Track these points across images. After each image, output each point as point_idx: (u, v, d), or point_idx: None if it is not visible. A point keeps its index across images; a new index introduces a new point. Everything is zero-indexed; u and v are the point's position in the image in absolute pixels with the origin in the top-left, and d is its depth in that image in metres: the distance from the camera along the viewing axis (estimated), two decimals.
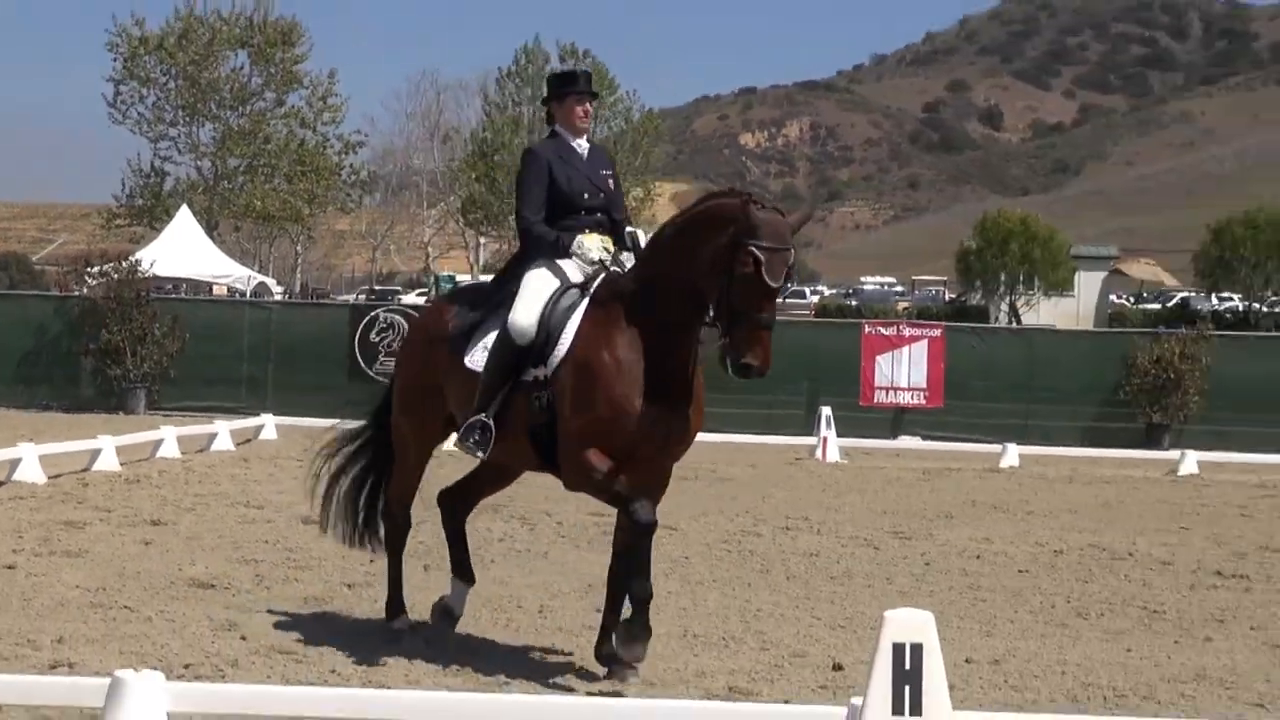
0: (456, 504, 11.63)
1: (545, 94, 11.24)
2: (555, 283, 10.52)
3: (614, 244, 10.74)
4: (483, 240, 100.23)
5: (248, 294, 51.48)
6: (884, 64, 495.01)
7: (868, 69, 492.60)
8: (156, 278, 40.74)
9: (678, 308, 10.06)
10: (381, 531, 11.77)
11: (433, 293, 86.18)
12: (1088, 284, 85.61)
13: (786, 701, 9.54)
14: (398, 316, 32.76)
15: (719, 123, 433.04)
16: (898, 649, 7.27)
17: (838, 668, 10.59)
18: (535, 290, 10.50)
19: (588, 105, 10.96)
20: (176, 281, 53.69)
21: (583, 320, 10.28)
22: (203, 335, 32.67)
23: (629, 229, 10.87)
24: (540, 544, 15.89)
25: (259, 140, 71.82)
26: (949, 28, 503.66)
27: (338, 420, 12.75)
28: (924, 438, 30.17)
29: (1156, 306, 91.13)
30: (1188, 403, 30.88)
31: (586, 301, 10.40)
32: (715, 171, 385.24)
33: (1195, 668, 11.02)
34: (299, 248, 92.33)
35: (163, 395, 32.22)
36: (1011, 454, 26.37)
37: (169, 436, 23.48)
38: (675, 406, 10.14)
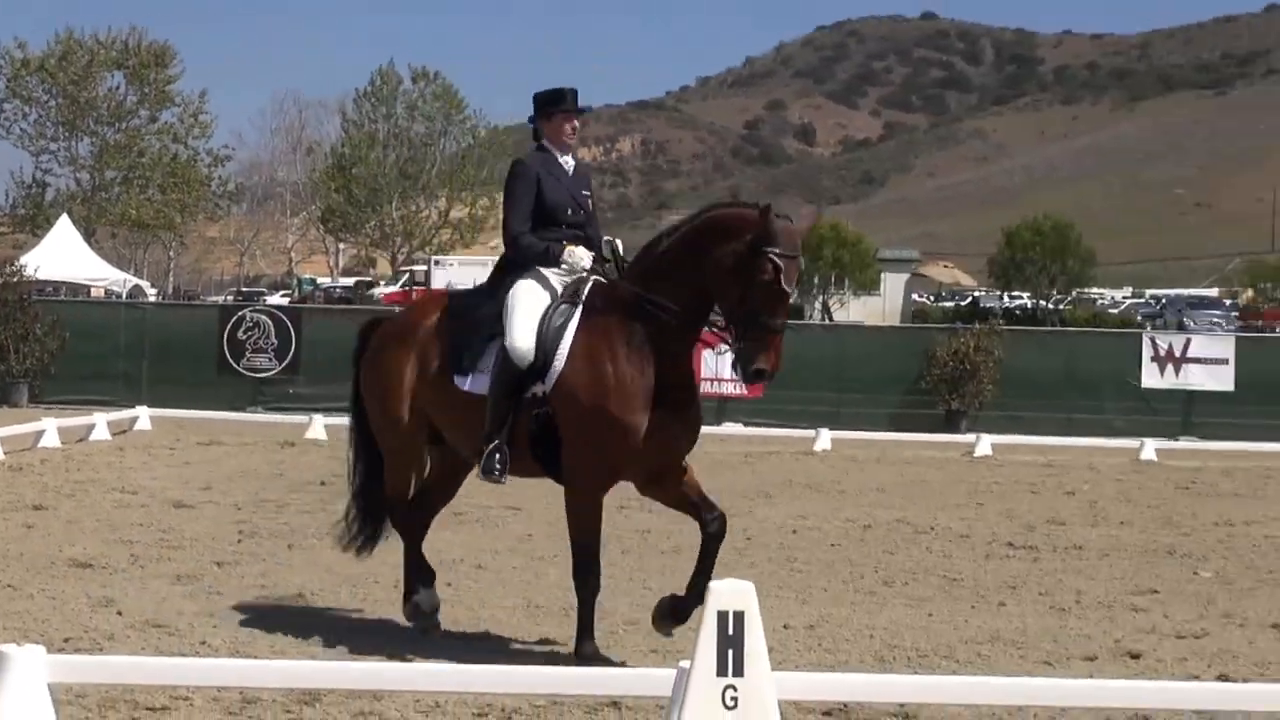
0: (414, 520, 10.74)
1: (533, 111, 10.43)
2: (545, 296, 9.97)
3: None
4: (341, 246, 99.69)
5: (124, 296, 50.62)
6: (708, 85, 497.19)
7: (694, 90, 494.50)
8: (38, 281, 39.97)
9: (682, 314, 9.64)
10: (366, 534, 11.08)
11: (295, 294, 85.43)
12: (893, 284, 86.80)
13: (622, 665, 9.55)
14: (263, 316, 32.38)
15: None
16: (722, 616, 7.29)
17: (668, 634, 10.60)
18: (527, 307, 9.87)
19: (575, 122, 10.40)
20: (57, 284, 52.64)
21: (578, 332, 9.75)
22: (82, 334, 32.03)
23: (606, 238, 10.41)
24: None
25: (134, 154, 71.33)
26: (767, 53, 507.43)
27: (206, 412, 12.43)
28: (745, 424, 30.28)
29: (954, 304, 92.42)
30: (982, 391, 31.19)
31: (579, 313, 9.85)
32: None
33: (990, 630, 11.14)
34: (171, 253, 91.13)
35: (44, 390, 31.54)
36: (824, 438, 26.51)
37: (50, 428, 23.02)
38: (678, 410, 9.71)
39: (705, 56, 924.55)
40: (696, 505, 9.98)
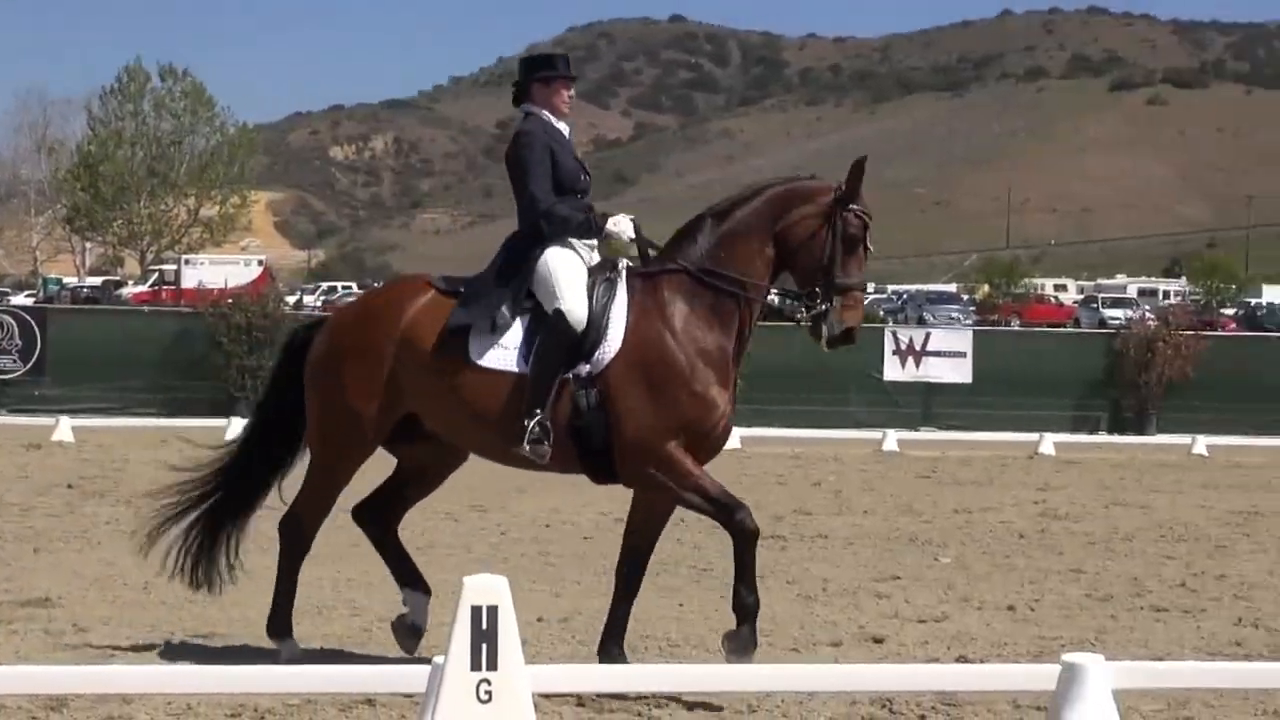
0: (381, 515, 10.04)
1: (522, 77, 9.73)
2: (582, 267, 9.30)
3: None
4: (88, 245, 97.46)
5: None
6: (461, 85, 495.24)
7: (446, 89, 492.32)
8: None
9: (745, 285, 9.24)
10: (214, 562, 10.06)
11: (41, 294, 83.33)
12: None
13: (376, 662, 9.47)
14: (7, 317, 31.44)
15: (311, 137, 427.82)
16: (475, 611, 7.27)
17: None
18: (570, 275, 9.17)
19: (573, 89, 9.79)
20: None
21: (631, 308, 9.14)
22: None
23: (628, 216, 9.66)
24: None
25: None
26: (519, 53, 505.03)
27: None
28: None
29: None
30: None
31: (624, 287, 9.23)
32: (308, 181, 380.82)
33: None
34: None
35: None
36: None
37: None
38: (730, 389, 9.30)
39: (458, 56, 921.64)
40: None
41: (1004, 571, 13.83)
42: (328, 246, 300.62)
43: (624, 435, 9.00)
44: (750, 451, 25.26)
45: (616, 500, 17.70)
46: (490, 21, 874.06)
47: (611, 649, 9.33)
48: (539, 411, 8.96)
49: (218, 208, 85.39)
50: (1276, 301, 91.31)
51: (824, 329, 9.21)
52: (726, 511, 9.11)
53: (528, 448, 8.99)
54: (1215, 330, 48.92)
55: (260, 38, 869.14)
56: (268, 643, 10.01)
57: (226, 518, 10.03)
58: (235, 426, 26.96)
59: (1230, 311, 79.61)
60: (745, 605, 9.22)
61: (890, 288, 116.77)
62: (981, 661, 9.90)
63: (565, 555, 14.07)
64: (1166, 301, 65.81)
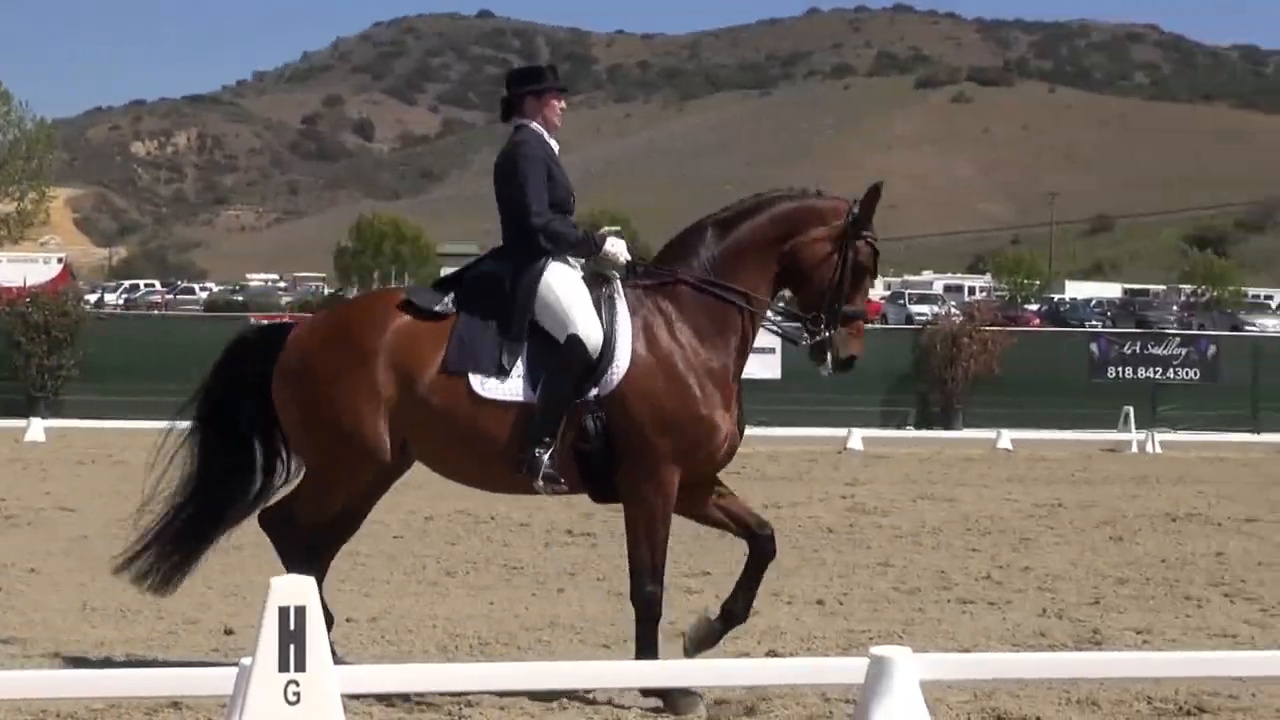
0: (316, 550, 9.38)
1: (515, 88, 9.49)
2: (584, 286, 9.00)
3: None
4: None
5: None
6: (265, 80, 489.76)
7: (250, 84, 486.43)
8: None
9: (750, 299, 9.12)
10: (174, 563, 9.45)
11: None
12: None
13: (183, 665, 9.35)
14: None
15: (111, 132, 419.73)
16: (283, 612, 7.20)
17: (229, 632, 10.45)
18: (578, 298, 8.90)
19: (564, 102, 9.61)
20: None
21: (635, 325, 8.92)
22: None
23: (614, 229, 9.55)
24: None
25: None
26: (324, 48, 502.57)
27: None
28: None
29: None
30: None
31: (623, 303, 9.00)
32: (109, 178, 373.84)
33: (550, 616, 11.32)
34: None
35: None
36: None
37: None
38: (734, 409, 9.14)
39: (263, 51, 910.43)
40: (743, 519, 9.53)
41: (813, 566, 14.00)
42: (129, 244, 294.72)
43: (630, 454, 8.83)
44: None
45: (426, 498, 17.67)
46: (295, 16, 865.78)
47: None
48: (549, 440, 8.73)
49: (15, 204, 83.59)
50: (1079, 297, 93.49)
51: (829, 355, 9.19)
52: (645, 578, 9.04)
53: (542, 483, 8.78)
54: (1019, 326, 49.92)
55: (59, 31, 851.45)
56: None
57: (200, 531, 9.48)
58: (36, 427, 26.48)
59: (1034, 307, 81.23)
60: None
61: None
62: (791, 655, 10.02)
63: (375, 555, 13.99)
64: (972, 298, 66.87)
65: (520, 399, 8.79)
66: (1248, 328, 66.57)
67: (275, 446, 9.46)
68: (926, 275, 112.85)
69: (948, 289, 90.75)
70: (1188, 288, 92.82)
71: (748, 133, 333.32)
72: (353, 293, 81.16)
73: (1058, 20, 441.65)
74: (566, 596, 12.20)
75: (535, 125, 9.35)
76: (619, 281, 9.11)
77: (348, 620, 10.80)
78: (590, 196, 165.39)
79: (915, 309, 71.85)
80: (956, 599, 12.44)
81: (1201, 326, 66.47)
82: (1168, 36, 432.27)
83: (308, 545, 9.25)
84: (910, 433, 33.15)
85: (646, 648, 8.95)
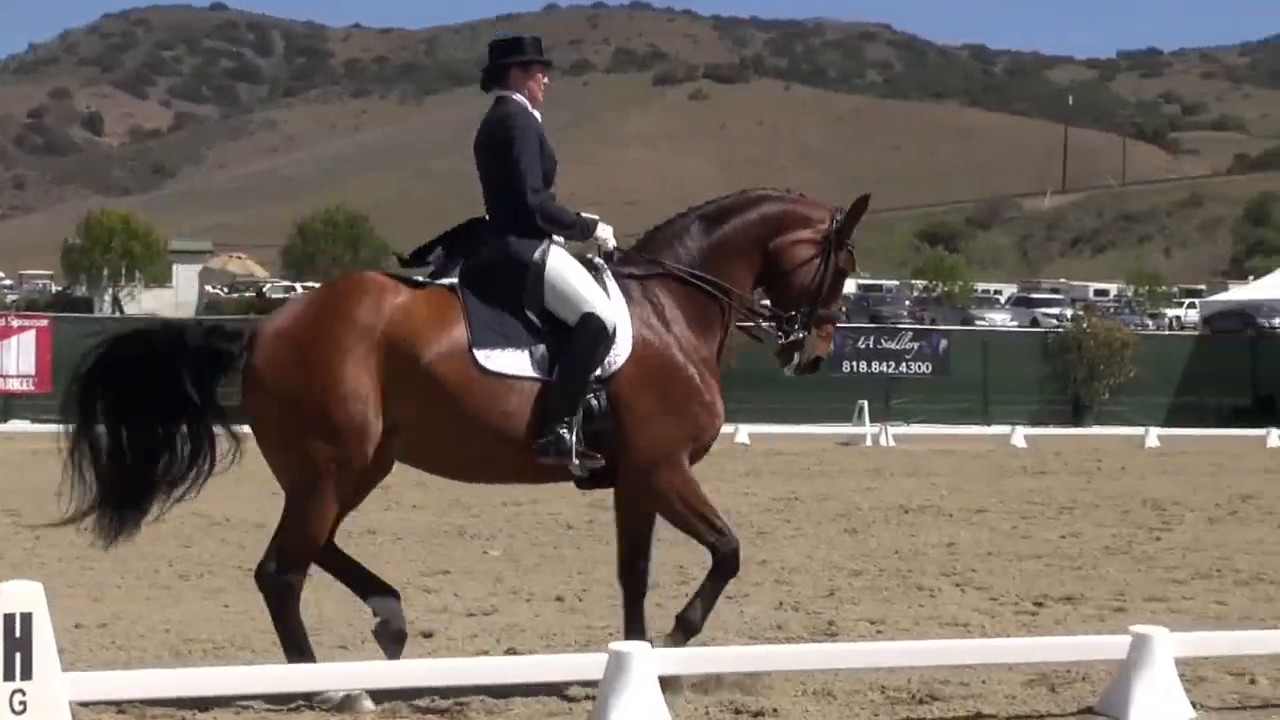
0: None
1: (500, 59, 9.28)
2: (581, 267, 8.97)
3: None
4: None
5: None
6: None
7: None
8: None
9: (731, 294, 9.21)
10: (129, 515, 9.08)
11: None
12: (185, 276, 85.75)
13: None
14: None
15: None
16: (9, 619, 7.04)
17: None
18: (584, 278, 8.88)
19: (547, 76, 9.41)
20: None
21: (631, 311, 8.92)
22: None
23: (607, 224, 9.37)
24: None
25: None
26: (51, 39, 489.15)
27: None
28: (34, 421, 29.27)
29: (252, 295, 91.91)
30: None
31: (615, 287, 8.96)
32: None
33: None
34: None
35: None
36: None
37: None
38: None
39: None
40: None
41: (553, 563, 14.06)
42: None
43: (639, 443, 8.81)
44: None
45: None
46: (21, 6, 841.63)
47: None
48: (569, 419, 8.62)
49: None
50: None
51: (796, 355, 9.38)
52: (725, 543, 9.04)
53: (578, 461, 8.66)
54: None
55: None
56: None
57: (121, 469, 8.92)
58: None
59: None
60: (690, 621, 9.17)
61: None
62: (530, 653, 10.04)
63: (105, 558, 13.64)
64: None
65: (535, 375, 8.69)
66: (978, 322, 68.37)
67: (200, 442, 8.96)
68: None
69: None
70: (920, 283, 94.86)
71: None
72: (81, 290, 79.30)
73: (793, 19, 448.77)
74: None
75: (519, 97, 9.20)
76: (607, 269, 9.12)
77: (76, 626, 10.57)
78: (325, 193, 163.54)
79: None
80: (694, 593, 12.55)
81: (933, 321, 68.11)
82: (900, 36, 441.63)
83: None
84: None
85: (710, 596, 9.16)
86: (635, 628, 9.22)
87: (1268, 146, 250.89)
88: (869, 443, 30.60)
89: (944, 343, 38.83)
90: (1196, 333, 50.56)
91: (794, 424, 32.78)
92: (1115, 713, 8.56)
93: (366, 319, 8.56)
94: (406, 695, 8.54)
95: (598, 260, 9.15)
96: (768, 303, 9.56)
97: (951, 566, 14.18)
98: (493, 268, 8.88)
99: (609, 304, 8.82)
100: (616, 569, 9.46)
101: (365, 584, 9.21)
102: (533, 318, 8.78)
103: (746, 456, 26.33)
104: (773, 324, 9.48)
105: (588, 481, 9.08)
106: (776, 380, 34.48)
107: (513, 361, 8.68)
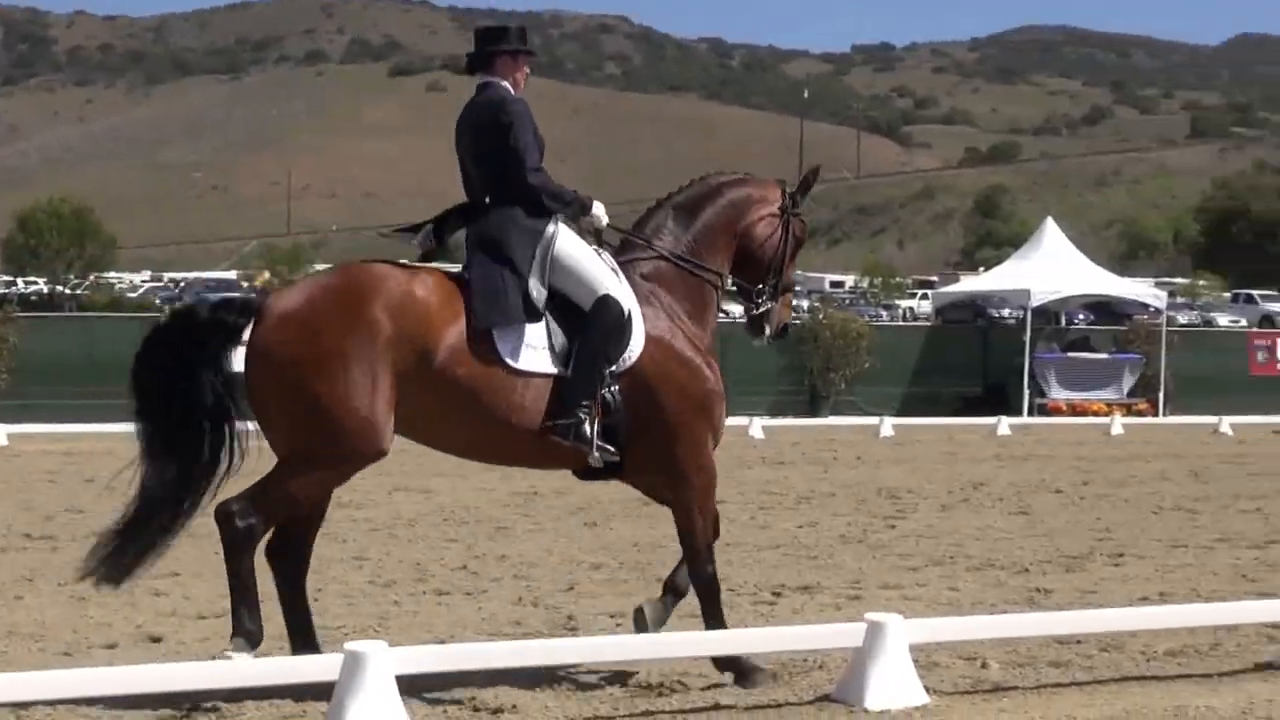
0: (289, 553, 9.05)
1: (480, 46, 9.55)
2: (593, 252, 9.15)
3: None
4: None
5: None
6: None
7: None
8: None
9: (721, 278, 9.58)
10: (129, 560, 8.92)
11: None
12: None
13: None
14: None
15: None
16: None
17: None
18: (596, 260, 9.06)
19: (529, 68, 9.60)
20: None
21: (641, 308, 9.06)
22: None
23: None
24: None
25: None
26: None
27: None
28: None
29: None
30: None
31: (624, 279, 9.11)
32: None
33: (7, 624, 10.85)
34: None
35: None
36: None
37: None
38: None
39: None
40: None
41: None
42: None
43: (670, 448, 9.05)
44: (19, 449, 24.34)
45: None
46: None
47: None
48: (589, 405, 8.75)
49: None
50: None
51: (767, 325, 9.83)
52: (702, 558, 9.29)
53: (597, 453, 8.81)
54: None
55: None
56: None
57: (159, 529, 8.85)
58: None
59: None
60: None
61: (167, 275, 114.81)
62: (262, 656, 9.86)
63: None
64: None
65: (552, 370, 8.81)
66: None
67: (223, 432, 8.84)
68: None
69: None
70: None
71: (216, 119, 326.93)
72: None
73: (531, 10, 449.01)
74: (25, 604, 11.71)
75: (506, 84, 9.37)
76: (606, 252, 9.30)
77: None
78: (50, 183, 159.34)
79: None
80: (433, 590, 12.51)
81: None
82: (638, 29, 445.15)
83: (289, 545, 8.94)
84: None
85: (715, 621, 9.27)
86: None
87: (996, 140, 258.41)
88: None
89: None
90: (929, 324, 51.69)
91: None
92: (851, 700, 8.70)
93: (377, 311, 8.53)
94: (131, 703, 8.33)
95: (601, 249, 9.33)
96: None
97: None
98: (498, 241, 8.92)
99: (624, 289, 8.98)
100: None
101: (301, 627, 9.14)
102: (537, 294, 8.82)
103: None
104: (748, 300, 9.90)
105: (591, 473, 9.23)
106: None
107: (520, 344, 8.77)
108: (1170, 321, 44.81)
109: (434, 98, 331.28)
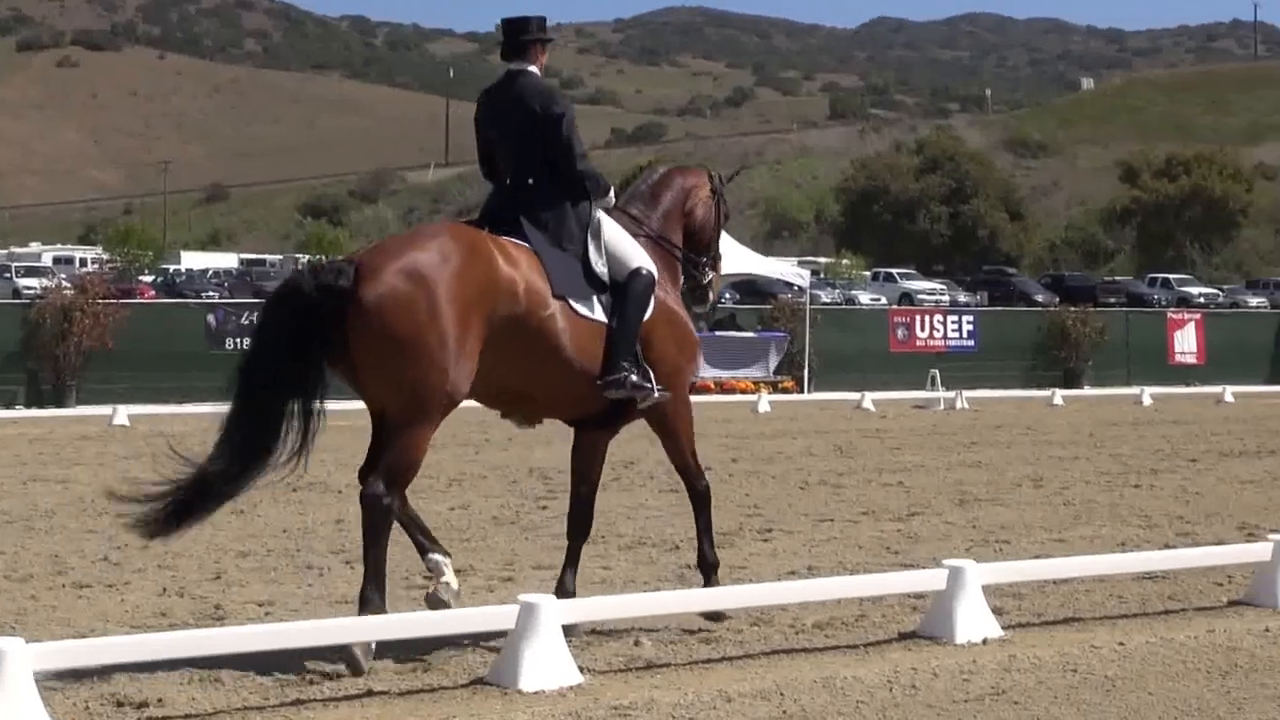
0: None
1: (523, 35, 10.45)
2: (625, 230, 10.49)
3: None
4: None
5: None
6: None
7: None
8: None
9: (678, 256, 10.95)
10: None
11: None
12: None
13: None
14: None
15: None
16: None
17: None
18: (628, 239, 10.40)
19: None
20: None
21: None
22: None
23: None
24: None
25: None
26: None
27: None
28: None
29: None
30: None
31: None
32: None
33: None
34: None
35: None
36: None
37: None
38: None
39: None
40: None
41: None
42: None
43: (667, 382, 10.25)
44: None
45: None
46: None
47: (567, 584, 10.44)
48: (632, 358, 10.01)
49: None
50: (196, 268, 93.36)
51: (710, 295, 11.33)
52: (698, 475, 10.89)
53: (658, 394, 10.07)
54: (134, 298, 49.33)
55: None
56: None
57: (220, 490, 9.39)
58: None
59: (149, 279, 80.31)
60: (707, 561, 10.89)
61: None
62: None
63: None
64: (84, 270, 65.36)
65: (605, 321, 9.98)
66: None
67: (312, 403, 9.45)
68: (34, 247, 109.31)
69: (57, 261, 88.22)
70: (304, 257, 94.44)
71: None
72: None
73: None
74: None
75: (537, 70, 10.42)
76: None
77: None
78: None
79: (23, 282, 69.38)
80: (72, 583, 12.16)
81: None
82: (277, 5, 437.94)
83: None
84: (20, 412, 32.17)
85: (707, 522, 10.93)
86: (572, 571, 10.63)
87: (641, 122, 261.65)
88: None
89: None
90: None
91: (178, 403, 32.15)
92: (505, 682, 8.74)
93: (480, 269, 9.28)
94: None
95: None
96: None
97: (340, 544, 14.16)
98: (555, 223, 9.99)
99: (649, 261, 10.26)
100: (572, 515, 10.82)
101: (424, 539, 10.25)
102: (601, 269, 10.02)
103: (127, 438, 25.58)
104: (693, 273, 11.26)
105: (585, 421, 10.56)
106: (157, 359, 33.97)
107: (589, 309, 9.90)
108: (814, 300, 46.04)
109: (65, 74, 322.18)
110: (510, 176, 10.18)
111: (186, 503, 9.25)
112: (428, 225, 10.15)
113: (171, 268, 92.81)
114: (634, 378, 9.95)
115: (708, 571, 10.82)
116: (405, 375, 9.08)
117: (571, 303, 9.78)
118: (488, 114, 10.35)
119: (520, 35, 10.39)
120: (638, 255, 10.23)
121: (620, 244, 10.21)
